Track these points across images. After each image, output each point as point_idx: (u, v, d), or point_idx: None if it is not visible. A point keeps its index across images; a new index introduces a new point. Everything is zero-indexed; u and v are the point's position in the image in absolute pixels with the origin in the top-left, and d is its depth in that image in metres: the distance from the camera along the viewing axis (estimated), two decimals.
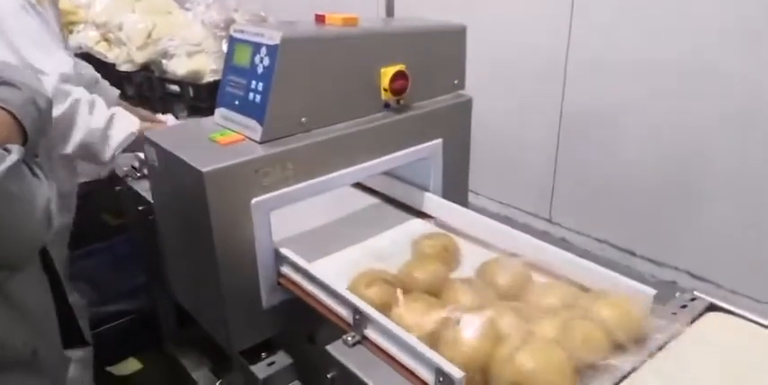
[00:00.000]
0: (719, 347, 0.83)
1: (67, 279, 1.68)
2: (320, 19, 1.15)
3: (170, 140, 1.08)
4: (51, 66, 1.37)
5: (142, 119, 1.58)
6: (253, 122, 1.07)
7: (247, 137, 1.08)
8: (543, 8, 1.66)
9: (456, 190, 1.36)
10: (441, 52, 1.26)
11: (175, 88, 2.00)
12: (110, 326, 2.09)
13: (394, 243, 1.22)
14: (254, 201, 1.02)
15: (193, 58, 2.00)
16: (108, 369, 2.05)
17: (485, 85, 1.57)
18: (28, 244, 0.84)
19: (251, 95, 1.07)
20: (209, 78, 1.96)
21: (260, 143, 1.05)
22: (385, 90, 1.17)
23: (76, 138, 1.40)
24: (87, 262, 2.17)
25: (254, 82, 1.06)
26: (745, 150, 1.36)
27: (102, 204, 2.12)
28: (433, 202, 1.30)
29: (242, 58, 1.10)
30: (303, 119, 1.09)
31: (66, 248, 1.67)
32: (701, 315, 0.91)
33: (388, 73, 1.15)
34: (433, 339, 0.84)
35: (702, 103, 1.40)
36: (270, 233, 1.07)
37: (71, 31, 2.24)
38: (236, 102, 1.11)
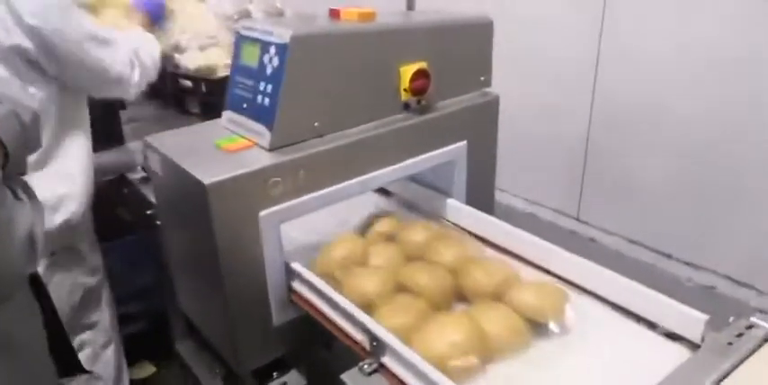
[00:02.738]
0: None
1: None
2: (335, 14, 1.06)
3: (173, 146, 1.01)
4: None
5: None
6: (261, 128, 0.98)
7: (256, 143, 1.00)
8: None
9: (481, 195, 1.27)
10: (465, 48, 1.16)
11: (187, 83, 1.93)
12: (123, 328, 2.04)
13: None
14: (262, 213, 0.94)
15: (206, 51, 1.92)
16: None
17: (511, 80, 1.47)
18: (6, 277, 0.73)
19: (259, 98, 0.99)
20: (222, 73, 1.88)
21: (269, 150, 0.97)
22: (405, 90, 1.07)
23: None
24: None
25: (262, 84, 0.98)
26: None
27: (118, 199, 2.06)
28: (456, 210, 1.21)
29: (250, 57, 1.01)
30: (316, 123, 1.00)
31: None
32: (759, 346, 0.81)
33: (407, 71, 1.06)
34: None
35: (742, 93, 1.28)
36: (280, 246, 0.99)
37: None
38: (244, 106, 1.03)
